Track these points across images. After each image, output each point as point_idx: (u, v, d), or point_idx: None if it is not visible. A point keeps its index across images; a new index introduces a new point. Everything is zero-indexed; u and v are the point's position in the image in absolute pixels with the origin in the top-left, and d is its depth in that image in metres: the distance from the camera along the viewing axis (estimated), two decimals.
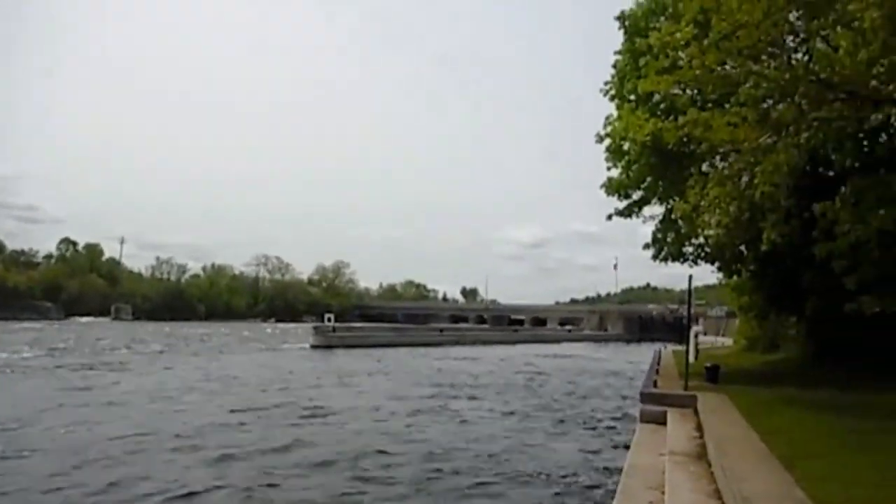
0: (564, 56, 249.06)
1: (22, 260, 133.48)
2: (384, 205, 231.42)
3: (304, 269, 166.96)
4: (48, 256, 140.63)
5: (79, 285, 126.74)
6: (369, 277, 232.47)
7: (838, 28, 12.37)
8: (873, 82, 10.93)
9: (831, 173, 18.64)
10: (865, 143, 16.68)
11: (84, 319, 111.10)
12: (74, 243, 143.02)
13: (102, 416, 20.40)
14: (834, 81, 11.81)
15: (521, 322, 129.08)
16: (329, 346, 58.89)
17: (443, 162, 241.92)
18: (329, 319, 67.78)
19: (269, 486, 13.02)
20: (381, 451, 16.36)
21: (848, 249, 13.66)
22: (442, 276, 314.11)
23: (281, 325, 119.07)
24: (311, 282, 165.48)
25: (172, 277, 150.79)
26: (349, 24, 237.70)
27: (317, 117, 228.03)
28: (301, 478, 13.74)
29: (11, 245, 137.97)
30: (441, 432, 19.55)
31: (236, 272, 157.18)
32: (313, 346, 59.35)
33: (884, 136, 15.27)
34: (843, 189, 14.08)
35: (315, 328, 66.41)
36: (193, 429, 18.62)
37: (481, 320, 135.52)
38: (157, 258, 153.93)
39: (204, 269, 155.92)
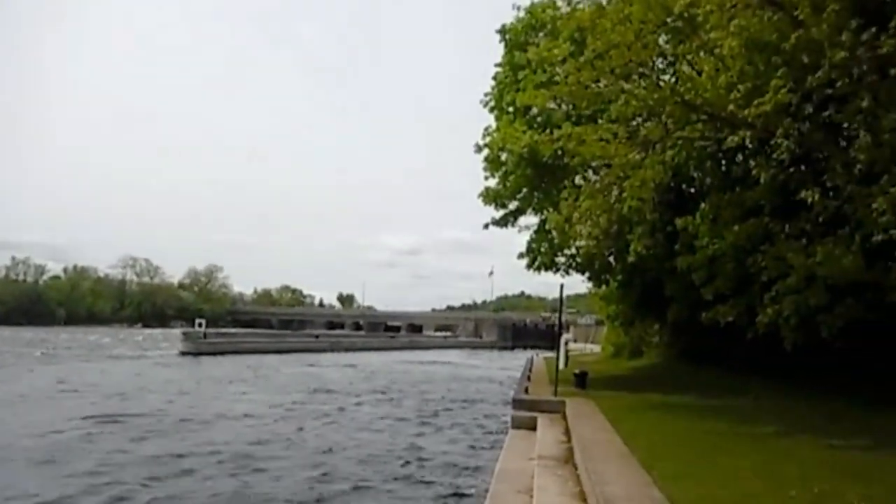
0: (444, 64, 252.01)
1: None
2: (258, 208, 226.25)
3: (174, 272, 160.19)
4: None
5: None
6: (244, 282, 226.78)
7: (702, 53, 13.14)
8: (731, 106, 11.65)
9: (693, 190, 19.75)
10: (724, 162, 17.79)
11: None
12: None
13: None
14: (697, 103, 12.53)
15: (397, 329, 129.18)
16: (199, 353, 56.81)
17: (318, 166, 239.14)
18: (200, 325, 65.44)
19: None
20: (247, 456, 16.01)
21: (706, 262, 14.49)
22: (319, 282, 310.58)
23: (149, 330, 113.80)
24: (182, 286, 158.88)
25: (29, 279, 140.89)
26: (217, 23, 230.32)
27: (186, 117, 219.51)
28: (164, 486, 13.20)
29: None
30: (314, 437, 19.36)
31: (101, 274, 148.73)
32: (182, 353, 57.11)
33: (740, 157, 16.29)
34: (702, 205, 14.97)
35: (184, 334, 63.97)
36: (48, 442, 17.53)
37: (357, 327, 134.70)
38: (13, 258, 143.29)
39: (65, 270, 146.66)
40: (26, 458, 15.60)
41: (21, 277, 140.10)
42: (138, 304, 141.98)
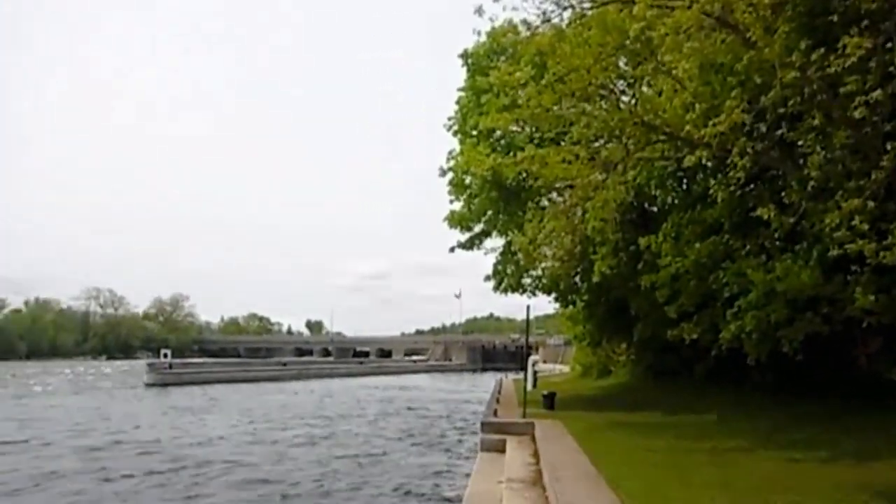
0: (410, 86, 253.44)
1: None
2: (223, 237, 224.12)
3: (140, 302, 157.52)
4: None
5: None
6: (211, 311, 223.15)
7: (659, 75, 13.36)
8: (688, 126, 11.84)
9: (655, 209, 20.01)
10: (685, 181, 18.06)
11: None
12: None
13: None
14: (656, 124, 12.71)
15: (366, 354, 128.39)
16: (165, 384, 55.85)
17: (283, 193, 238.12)
18: (165, 355, 64.49)
19: None
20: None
21: (669, 280, 14.63)
22: (286, 309, 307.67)
23: (114, 362, 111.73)
24: (147, 316, 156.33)
25: None
26: (170, 41, 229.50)
27: (140, 141, 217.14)
28: None
29: None
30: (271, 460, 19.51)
31: (63, 307, 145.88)
32: (147, 385, 56.06)
33: (700, 176, 16.55)
34: (664, 224, 15.16)
35: (149, 365, 62.85)
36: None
37: (326, 353, 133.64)
38: None
39: (26, 303, 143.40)
40: None
41: None
42: (102, 335, 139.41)
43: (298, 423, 29.82)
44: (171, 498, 15.04)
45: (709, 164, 14.33)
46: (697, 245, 13.53)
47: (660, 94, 13.65)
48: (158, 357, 69.27)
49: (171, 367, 62.20)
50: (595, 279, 17.58)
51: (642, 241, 14.95)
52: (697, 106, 11.99)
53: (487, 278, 23.51)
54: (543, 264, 18.69)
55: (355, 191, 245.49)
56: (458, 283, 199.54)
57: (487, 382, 55.94)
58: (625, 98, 15.66)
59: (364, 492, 15.82)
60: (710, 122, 10.84)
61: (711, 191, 12.91)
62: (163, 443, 23.51)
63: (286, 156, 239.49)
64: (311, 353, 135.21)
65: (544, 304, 58.53)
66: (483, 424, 16.28)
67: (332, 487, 16.18)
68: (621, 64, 14.86)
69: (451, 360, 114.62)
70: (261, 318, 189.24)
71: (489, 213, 22.25)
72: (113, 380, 64.48)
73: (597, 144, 14.76)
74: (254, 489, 15.97)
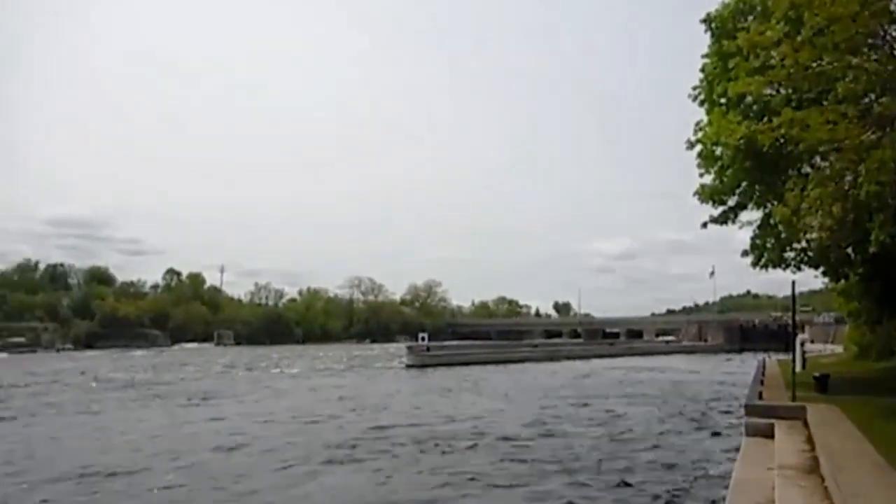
0: (650, 61, 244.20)
1: (131, 291, 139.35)
2: (469, 223, 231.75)
3: (396, 289, 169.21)
4: (154, 286, 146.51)
5: (183, 313, 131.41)
6: (461, 296, 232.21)
7: None
8: None
9: None
10: None
11: (189, 346, 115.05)
12: (178, 273, 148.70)
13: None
14: None
15: (616, 335, 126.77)
16: (423, 366, 59.31)
17: (524, 176, 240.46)
18: (423, 339, 68.33)
19: None
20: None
21: None
22: (534, 292, 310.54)
23: (375, 345, 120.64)
24: (403, 302, 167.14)
25: (270, 302, 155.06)
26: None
27: (391, 139, 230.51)
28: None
29: (119, 277, 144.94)
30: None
31: (331, 295, 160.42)
32: (408, 366, 59.88)
33: None
34: None
35: (409, 348, 67.00)
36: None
37: (575, 335, 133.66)
38: (256, 284, 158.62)
39: (300, 293, 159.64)
40: None
41: (263, 301, 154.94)
42: (366, 320, 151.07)
43: (561, 402, 30.64)
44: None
45: None
46: None
47: None
48: (416, 340, 73.55)
49: (428, 349, 65.78)
50: (872, 249, 15.86)
51: None
52: None
53: (744, 254, 22.15)
54: (809, 236, 17.24)
55: (598, 170, 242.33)
56: (710, 261, 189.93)
57: (747, 364, 53.03)
58: None
59: (626, 465, 16.32)
60: None
61: None
62: (450, 417, 25.85)
63: (528, 138, 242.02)
64: (559, 334, 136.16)
65: (809, 279, 53.94)
66: (747, 407, 15.39)
67: (589, 461, 16.76)
68: (894, 6, 13.26)
69: (706, 340, 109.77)
70: (510, 302, 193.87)
71: (744, 184, 20.89)
72: (381, 360, 69.79)
73: (867, 100, 13.34)
74: (529, 461, 17.11)
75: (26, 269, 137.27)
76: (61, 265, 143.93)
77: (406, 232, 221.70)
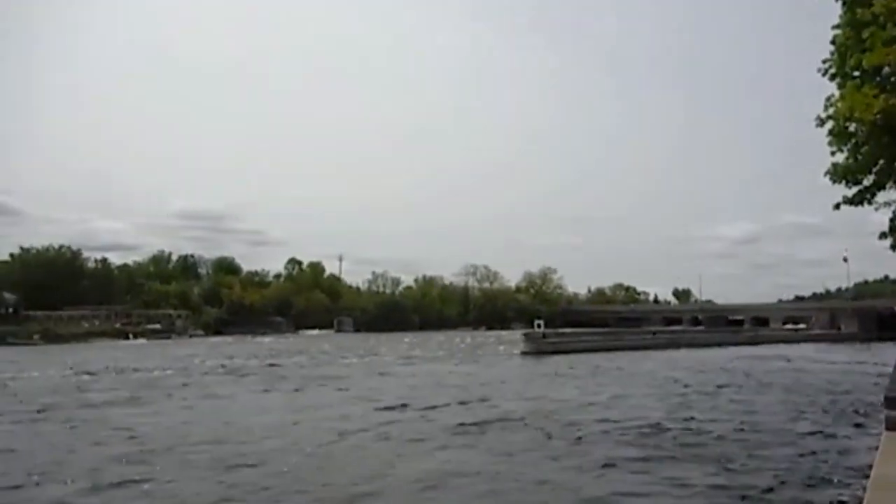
0: (774, 36, 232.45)
1: (256, 280, 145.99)
2: (580, 211, 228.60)
3: (511, 276, 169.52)
4: (277, 276, 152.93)
5: (305, 301, 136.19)
6: (577, 283, 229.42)
7: None
8: None
9: None
10: None
11: (311, 332, 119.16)
12: (300, 262, 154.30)
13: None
14: None
15: (739, 322, 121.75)
16: (540, 353, 59.00)
17: (638, 161, 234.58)
18: (539, 326, 68.02)
19: None
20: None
21: None
22: (652, 279, 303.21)
23: (491, 332, 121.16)
24: (518, 289, 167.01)
25: (387, 290, 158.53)
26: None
27: (505, 128, 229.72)
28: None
29: (245, 267, 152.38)
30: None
31: (446, 282, 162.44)
32: (524, 353, 59.73)
33: None
34: None
35: (525, 335, 66.81)
36: None
37: (696, 322, 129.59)
38: (373, 273, 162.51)
39: (416, 280, 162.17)
40: None
41: (381, 289, 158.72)
42: (481, 307, 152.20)
43: (685, 391, 30.07)
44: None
45: None
46: None
47: None
48: (532, 327, 73.33)
49: (544, 336, 65.44)
50: None
51: None
52: None
53: (882, 236, 20.83)
54: None
55: (715, 151, 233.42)
56: (841, 244, 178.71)
57: (885, 353, 49.96)
58: None
59: (761, 455, 16.07)
60: None
61: None
62: (575, 403, 25.98)
63: (639, 120, 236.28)
64: (679, 321, 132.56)
65: None
66: (888, 399, 14.46)
67: (722, 450, 16.46)
68: None
69: (839, 328, 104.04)
70: (627, 288, 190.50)
71: (881, 162, 19.60)
72: (496, 347, 70.21)
73: None
74: (663, 448, 17.09)
75: (160, 259, 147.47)
76: (192, 256, 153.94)
77: (520, 220, 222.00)
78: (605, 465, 15.15)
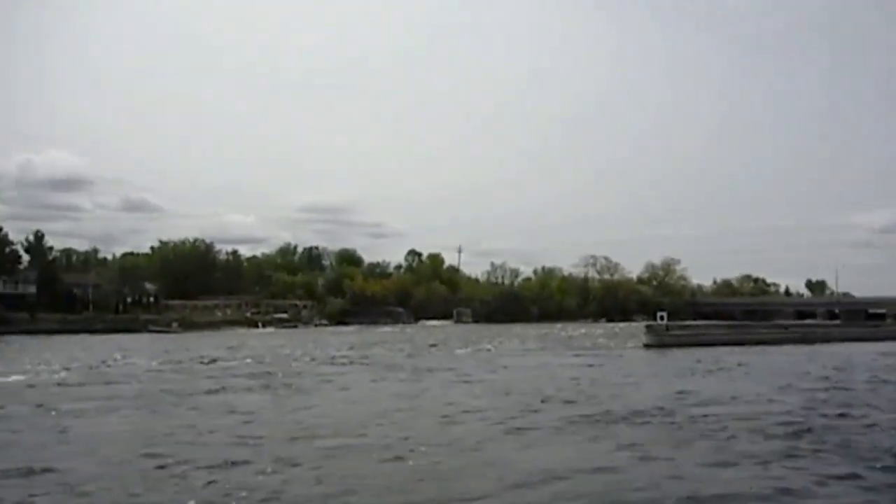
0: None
1: (377, 271, 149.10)
2: (703, 199, 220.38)
3: (632, 268, 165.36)
4: (398, 267, 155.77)
5: (424, 292, 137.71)
6: (702, 274, 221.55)
7: None
8: None
9: None
10: None
11: (431, 323, 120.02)
12: (419, 254, 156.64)
13: None
14: None
15: (881, 316, 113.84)
16: (663, 345, 57.15)
17: (768, 147, 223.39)
18: (661, 318, 65.99)
19: None
20: None
21: None
22: (782, 270, 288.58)
23: (612, 324, 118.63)
24: (640, 280, 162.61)
25: (506, 281, 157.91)
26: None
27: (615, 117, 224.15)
28: None
29: (366, 258, 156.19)
30: None
31: (565, 274, 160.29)
32: (646, 346, 58.05)
33: None
34: None
35: (648, 327, 64.87)
36: None
37: (832, 315, 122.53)
38: (492, 264, 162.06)
39: (535, 272, 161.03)
40: None
41: (499, 280, 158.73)
42: (601, 299, 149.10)
43: (829, 389, 27.92)
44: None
45: None
46: None
47: None
48: (654, 319, 71.32)
49: (668, 328, 63.47)
50: None
51: None
52: None
53: None
54: None
55: (853, 134, 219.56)
56: None
57: None
58: None
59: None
60: None
61: None
62: (708, 399, 24.66)
63: (763, 102, 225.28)
64: (813, 315, 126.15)
65: None
66: None
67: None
68: None
69: None
70: (755, 280, 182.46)
71: None
72: (617, 339, 68.88)
73: None
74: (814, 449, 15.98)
75: (287, 252, 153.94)
76: (316, 248, 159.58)
77: (640, 210, 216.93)
78: (756, 462, 14.37)
